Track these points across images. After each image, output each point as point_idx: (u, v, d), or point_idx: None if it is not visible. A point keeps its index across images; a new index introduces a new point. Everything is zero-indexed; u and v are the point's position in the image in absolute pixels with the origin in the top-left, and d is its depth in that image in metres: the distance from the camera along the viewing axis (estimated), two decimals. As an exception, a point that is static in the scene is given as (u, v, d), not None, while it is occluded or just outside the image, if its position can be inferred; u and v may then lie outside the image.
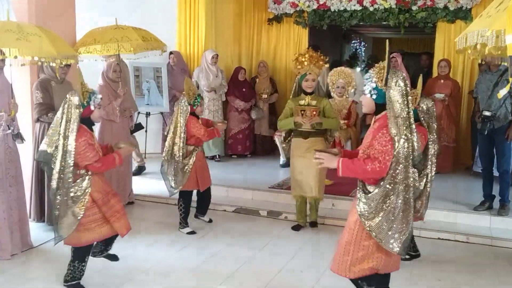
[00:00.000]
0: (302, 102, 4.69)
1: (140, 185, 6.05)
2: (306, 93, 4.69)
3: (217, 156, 7.48)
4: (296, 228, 4.93)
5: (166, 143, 4.63)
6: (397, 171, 2.61)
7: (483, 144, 5.25)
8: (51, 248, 4.26)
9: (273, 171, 6.90)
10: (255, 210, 5.46)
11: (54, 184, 3.26)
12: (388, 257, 2.75)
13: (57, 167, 3.23)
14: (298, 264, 4.07)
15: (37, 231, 4.56)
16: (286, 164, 6.78)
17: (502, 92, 3.37)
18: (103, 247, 3.69)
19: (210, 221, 5.06)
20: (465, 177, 6.63)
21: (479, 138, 5.38)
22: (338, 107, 6.27)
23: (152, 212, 5.49)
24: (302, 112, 4.64)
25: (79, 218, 3.29)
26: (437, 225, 4.93)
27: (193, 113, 4.63)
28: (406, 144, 2.59)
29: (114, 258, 3.79)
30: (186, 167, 4.60)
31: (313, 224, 4.96)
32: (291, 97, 4.90)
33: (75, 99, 3.25)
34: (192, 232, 4.73)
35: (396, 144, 2.59)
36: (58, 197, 3.26)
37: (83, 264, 3.49)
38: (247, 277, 3.81)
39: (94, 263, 3.69)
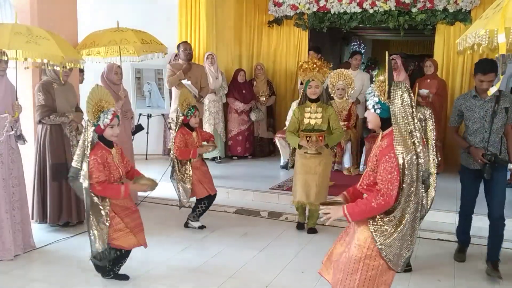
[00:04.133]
0: (308, 109, 4.63)
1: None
2: (312, 100, 4.65)
3: (218, 158, 7.51)
4: (300, 226, 4.95)
5: (171, 154, 4.68)
6: (412, 188, 2.47)
7: (472, 183, 4.11)
8: (53, 250, 4.30)
9: (274, 172, 6.93)
10: (255, 211, 5.48)
11: (87, 201, 3.34)
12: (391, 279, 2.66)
13: (85, 183, 3.31)
14: (299, 265, 4.09)
15: (40, 232, 4.59)
16: (287, 165, 6.81)
17: (492, 90, 3.41)
18: (111, 267, 3.67)
19: (203, 227, 4.95)
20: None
21: (465, 178, 4.15)
22: (339, 109, 6.34)
23: (153, 213, 5.50)
24: (308, 138, 4.51)
25: (107, 225, 3.37)
26: (437, 226, 4.95)
27: (187, 124, 4.64)
28: (415, 160, 2.45)
29: (124, 277, 3.73)
30: (186, 179, 4.62)
31: (311, 231, 4.88)
32: (296, 104, 4.87)
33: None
34: (202, 227, 4.84)
35: (405, 161, 2.43)
36: (91, 216, 3.34)
37: (115, 250, 3.55)
38: (248, 278, 3.82)
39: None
